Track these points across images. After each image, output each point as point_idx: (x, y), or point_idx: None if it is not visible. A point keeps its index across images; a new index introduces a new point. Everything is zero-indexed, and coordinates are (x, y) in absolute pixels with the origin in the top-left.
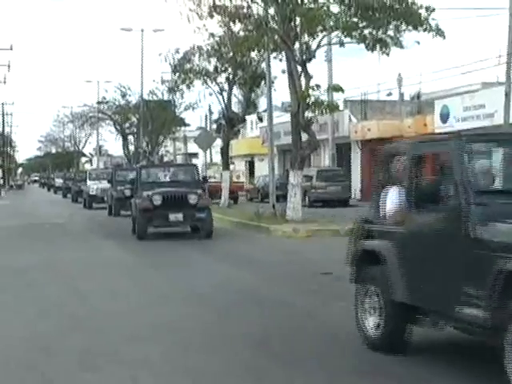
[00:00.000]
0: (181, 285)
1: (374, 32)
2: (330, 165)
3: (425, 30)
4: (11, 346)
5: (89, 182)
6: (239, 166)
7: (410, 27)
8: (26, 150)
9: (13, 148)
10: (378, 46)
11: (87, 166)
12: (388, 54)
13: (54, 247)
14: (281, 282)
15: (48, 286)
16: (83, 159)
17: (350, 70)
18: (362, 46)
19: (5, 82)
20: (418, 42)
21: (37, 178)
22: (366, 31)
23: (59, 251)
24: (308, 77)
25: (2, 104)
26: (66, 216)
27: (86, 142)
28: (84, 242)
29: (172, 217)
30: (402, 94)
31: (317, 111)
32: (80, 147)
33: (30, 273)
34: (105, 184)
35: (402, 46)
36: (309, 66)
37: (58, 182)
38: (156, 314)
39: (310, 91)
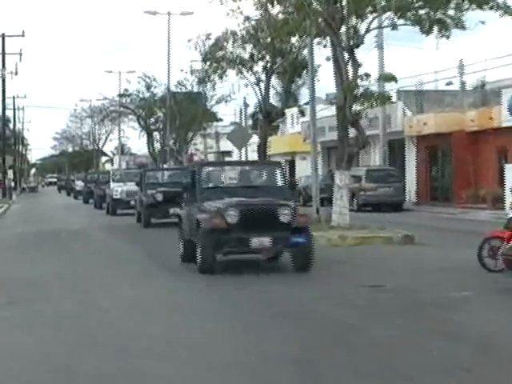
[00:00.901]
0: (210, 298)
1: (432, 12)
2: (380, 164)
3: (491, 7)
4: (25, 367)
5: (112, 184)
6: None
7: (474, 5)
8: (39, 148)
9: (25, 146)
10: (435, 28)
11: (108, 166)
12: (448, 37)
13: (70, 257)
14: (325, 296)
15: (63, 300)
16: (103, 159)
17: (403, 56)
18: (418, 28)
19: (16, 73)
20: (483, 22)
21: (53, 180)
22: (422, 11)
23: (75, 262)
24: (356, 65)
25: (13, 97)
26: (85, 223)
27: (106, 139)
28: (104, 253)
29: (255, 242)
30: (463, 83)
31: (366, 104)
32: (100, 145)
33: (44, 285)
34: (131, 186)
35: (463, 28)
36: (357, 52)
37: (79, 184)
38: (186, 330)
39: (359, 81)
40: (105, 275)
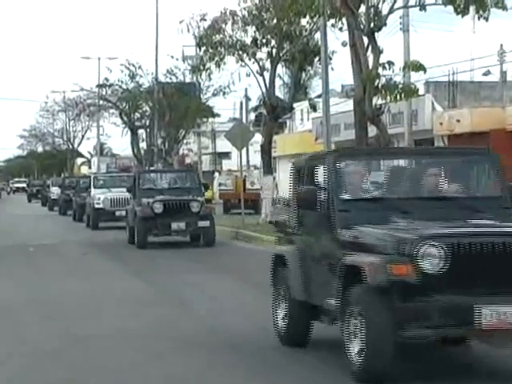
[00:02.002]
0: (207, 324)
1: None
2: None
3: None
4: None
5: (93, 191)
6: (284, 170)
7: None
8: (3, 148)
9: None
10: (472, 8)
11: (84, 170)
12: (486, 19)
13: (42, 277)
14: None
15: (35, 328)
16: (79, 160)
17: (433, 42)
18: (451, 8)
19: None
20: None
21: (22, 186)
22: None
23: (48, 282)
24: (377, 51)
25: None
26: (59, 238)
27: (82, 137)
28: (82, 271)
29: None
30: (504, 73)
31: (389, 97)
32: (75, 145)
33: (12, 311)
34: (117, 193)
35: (505, 8)
36: (378, 36)
37: (55, 192)
38: (176, 365)
39: (380, 70)
40: (85, 300)
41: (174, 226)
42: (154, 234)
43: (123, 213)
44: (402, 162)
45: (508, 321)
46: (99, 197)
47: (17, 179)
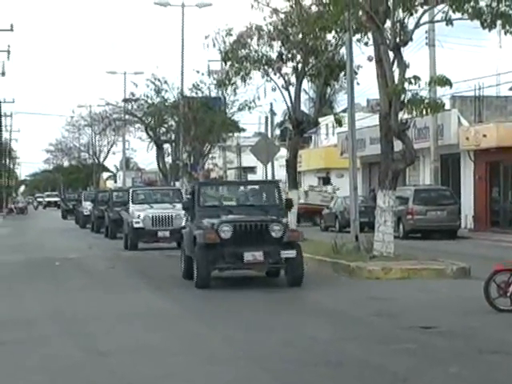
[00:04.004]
0: (236, 340)
1: (494, 3)
2: (431, 182)
3: None
4: None
5: (132, 207)
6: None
7: None
8: (29, 162)
9: (13, 160)
10: (498, 23)
11: (110, 184)
12: None
13: (68, 292)
14: (366, 338)
15: (59, 342)
16: (105, 174)
17: (459, 56)
18: (477, 23)
19: (3, 74)
20: None
21: (54, 200)
22: (483, 3)
23: (73, 297)
24: (403, 66)
25: (0, 102)
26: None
27: (108, 152)
28: (110, 288)
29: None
30: None
31: (415, 111)
32: (100, 159)
33: (37, 326)
34: (160, 210)
35: None
36: (404, 51)
37: (87, 207)
38: (203, 380)
39: (406, 85)
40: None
41: (248, 256)
42: (219, 269)
43: (167, 233)
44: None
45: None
46: (139, 214)
47: (48, 193)
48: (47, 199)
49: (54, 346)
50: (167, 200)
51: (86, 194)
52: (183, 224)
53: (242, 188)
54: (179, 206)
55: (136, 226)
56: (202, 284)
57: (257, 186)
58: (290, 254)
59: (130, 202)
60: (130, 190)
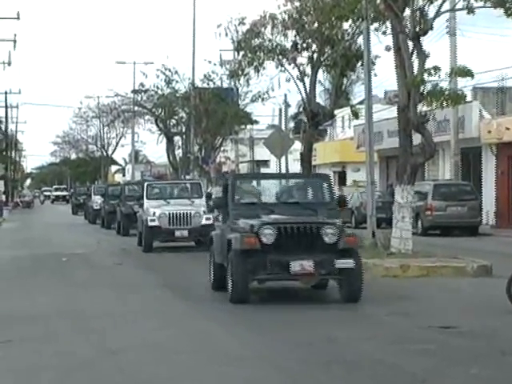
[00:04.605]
0: (248, 341)
1: None
2: (451, 177)
3: None
4: None
5: (147, 203)
6: None
7: None
8: (36, 155)
9: (19, 152)
10: None
11: (118, 177)
12: None
13: (75, 288)
14: (383, 338)
15: (68, 340)
16: (113, 168)
17: (481, 46)
18: (501, 10)
19: (9, 63)
20: None
21: (63, 194)
22: None
23: (82, 293)
24: (423, 56)
25: (5, 93)
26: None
27: (117, 144)
28: (119, 285)
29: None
30: None
31: (434, 103)
32: (109, 152)
33: (45, 323)
34: (178, 207)
35: None
36: (424, 40)
37: (97, 201)
38: (217, 380)
39: (426, 76)
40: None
41: (296, 266)
42: (259, 280)
43: (185, 233)
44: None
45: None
46: (154, 211)
47: (56, 186)
48: (55, 193)
49: (63, 343)
50: (185, 195)
51: (96, 188)
52: (203, 222)
53: (284, 182)
54: (199, 201)
55: (151, 224)
56: (238, 298)
57: (303, 180)
58: (347, 263)
59: (145, 198)
60: (145, 184)
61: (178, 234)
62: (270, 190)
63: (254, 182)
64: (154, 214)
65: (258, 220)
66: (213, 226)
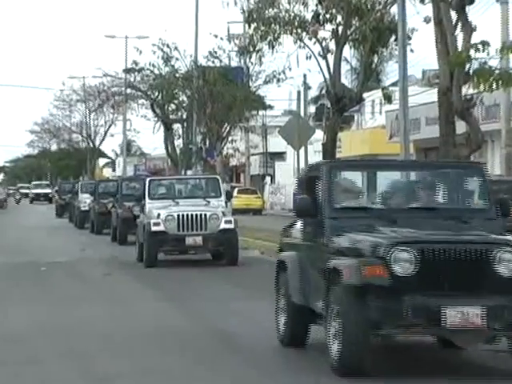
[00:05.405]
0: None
1: None
2: (503, 172)
3: None
4: None
5: (149, 204)
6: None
7: None
8: (9, 145)
9: None
10: None
11: (107, 172)
12: None
13: (57, 303)
14: None
15: (52, 366)
16: (101, 161)
17: None
18: None
19: None
20: None
21: (44, 192)
22: None
23: (65, 309)
24: (468, 29)
25: None
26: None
27: (105, 133)
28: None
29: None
30: None
31: (482, 85)
32: (96, 142)
33: (27, 343)
34: (189, 207)
35: None
36: (470, 10)
37: (85, 200)
38: None
39: (472, 52)
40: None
41: (453, 316)
42: (384, 337)
43: (198, 240)
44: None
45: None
46: (158, 213)
47: (36, 182)
48: (35, 191)
49: (46, 368)
50: (199, 193)
51: (84, 185)
52: (222, 226)
53: (415, 174)
54: (216, 201)
55: (155, 229)
56: (352, 371)
57: (444, 171)
58: None
59: (147, 197)
60: (147, 180)
61: (189, 241)
62: (389, 188)
63: (363, 175)
64: (159, 216)
65: (384, 236)
66: (235, 231)
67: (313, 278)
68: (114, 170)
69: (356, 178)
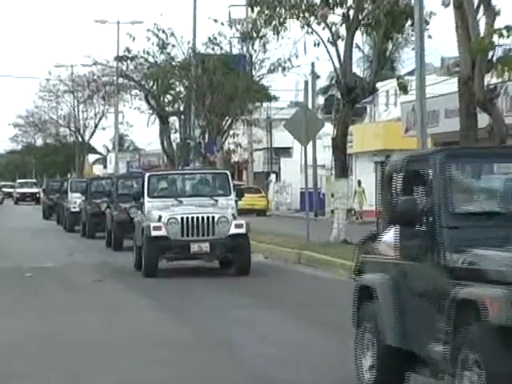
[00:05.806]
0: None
1: None
2: None
3: None
4: None
5: (149, 204)
6: (363, 172)
7: None
8: None
9: None
10: None
11: (98, 169)
12: None
13: (44, 311)
14: None
15: (39, 378)
16: (91, 157)
17: None
18: None
19: None
20: None
21: (31, 191)
22: None
23: (52, 318)
24: (492, 13)
25: None
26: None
27: (95, 127)
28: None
29: None
30: None
31: (507, 74)
32: (86, 136)
33: (8, 359)
34: (195, 209)
35: None
36: None
37: (75, 200)
38: None
39: (495, 38)
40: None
41: None
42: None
43: (205, 246)
44: None
45: None
46: (159, 215)
47: (21, 181)
48: (20, 190)
49: (31, 383)
50: (205, 191)
51: (74, 183)
52: (232, 231)
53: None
54: (225, 200)
55: (155, 234)
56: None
57: None
58: None
59: (146, 195)
60: (146, 176)
61: (194, 248)
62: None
63: (492, 167)
64: (160, 218)
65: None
66: (246, 236)
67: (421, 312)
68: (105, 166)
69: (480, 171)
